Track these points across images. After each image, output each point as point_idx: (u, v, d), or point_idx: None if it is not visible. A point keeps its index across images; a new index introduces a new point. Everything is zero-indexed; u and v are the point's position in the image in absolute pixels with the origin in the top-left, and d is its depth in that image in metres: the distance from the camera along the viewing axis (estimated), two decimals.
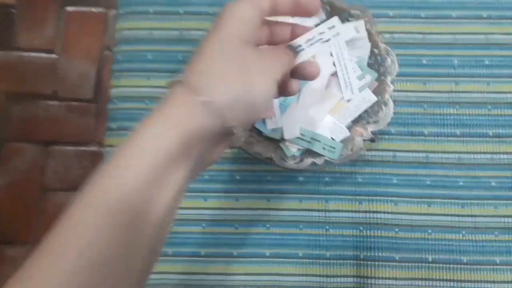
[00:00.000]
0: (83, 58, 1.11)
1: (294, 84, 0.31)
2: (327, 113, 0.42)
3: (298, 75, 0.31)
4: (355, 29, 0.42)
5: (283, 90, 0.31)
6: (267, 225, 0.44)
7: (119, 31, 0.50)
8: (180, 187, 0.23)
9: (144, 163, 0.22)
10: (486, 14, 0.48)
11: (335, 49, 0.42)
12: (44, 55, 1.11)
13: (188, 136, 0.23)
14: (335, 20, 0.30)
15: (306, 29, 0.30)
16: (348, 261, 0.43)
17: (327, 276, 0.43)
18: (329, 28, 0.30)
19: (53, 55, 1.11)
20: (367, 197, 0.44)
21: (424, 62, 0.47)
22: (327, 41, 0.30)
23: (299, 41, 0.29)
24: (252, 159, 0.45)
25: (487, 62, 0.47)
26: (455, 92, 0.46)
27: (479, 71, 0.46)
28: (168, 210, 0.23)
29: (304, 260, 0.43)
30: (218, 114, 0.24)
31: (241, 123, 0.25)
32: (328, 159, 0.41)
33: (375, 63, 0.43)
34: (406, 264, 0.42)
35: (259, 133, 0.43)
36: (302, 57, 0.30)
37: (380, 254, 0.43)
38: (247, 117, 0.26)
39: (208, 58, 0.25)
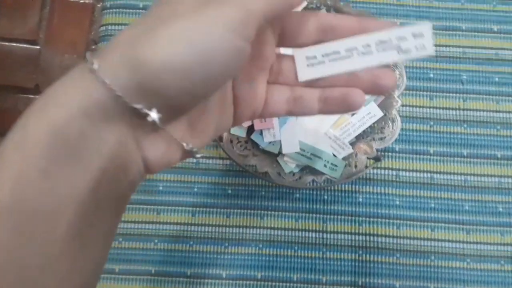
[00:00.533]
0: (67, 51, 1.06)
1: (355, 95, 0.23)
2: (329, 128, 0.39)
3: (364, 86, 0.23)
4: None
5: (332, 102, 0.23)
6: (260, 245, 0.41)
7: (104, 26, 0.46)
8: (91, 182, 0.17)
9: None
10: (497, 28, 0.45)
11: None
12: (25, 45, 1.06)
13: (74, 113, 0.17)
14: (426, 27, 0.21)
15: (381, 25, 0.22)
16: (345, 287, 0.40)
17: None
18: (415, 36, 0.21)
19: (36, 46, 1.06)
20: (367, 219, 0.41)
21: (431, 75, 0.44)
22: (406, 52, 0.21)
23: (369, 39, 0.22)
24: (245, 172, 0.42)
25: (497, 79, 0.44)
26: (463, 109, 0.43)
27: (488, 88, 0.44)
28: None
29: (298, 285, 0.40)
30: (105, 84, 0.17)
31: (154, 98, 0.17)
32: (329, 177, 0.38)
33: None
34: None
35: (255, 145, 0.39)
36: (365, 64, 0.22)
37: (379, 281, 0.40)
38: (162, 88, 0.17)
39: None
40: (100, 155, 0.18)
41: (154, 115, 0.18)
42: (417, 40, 0.21)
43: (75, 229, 0.17)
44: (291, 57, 0.24)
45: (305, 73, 0.23)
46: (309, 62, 0.23)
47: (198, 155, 0.21)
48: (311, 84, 0.24)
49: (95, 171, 0.17)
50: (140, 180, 0.20)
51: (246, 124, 0.39)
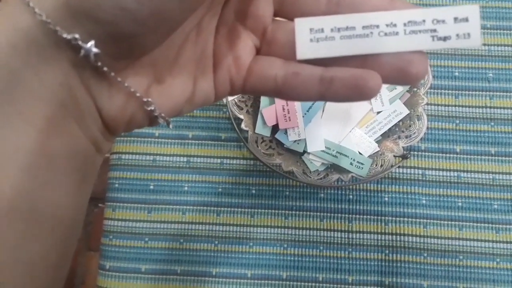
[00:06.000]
0: None
1: (371, 79, 0.17)
2: (354, 126, 0.39)
3: (386, 72, 0.17)
4: None
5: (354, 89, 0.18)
6: (285, 245, 0.40)
7: None
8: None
9: None
10: None
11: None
12: None
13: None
14: (472, 9, 0.17)
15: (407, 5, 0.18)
16: (372, 287, 0.39)
17: None
18: (456, 21, 0.17)
19: None
20: (393, 218, 0.40)
21: (456, 74, 0.44)
22: (443, 40, 0.17)
23: (395, 17, 0.17)
24: (269, 172, 0.42)
25: None
26: (490, 107, 0.43)
27: None
28: None
29: (324, 285, 0.39)
30: (30, 9, 0.14)
31: (88, 24, 0.14)
32: (355, 175, 0.37)
33: None
34: None
35: (280, 144, 0.39)
36: (386, 48, 0.17)
37: (406, 280, 0.39)
38: (94, 8, 0.14)
39: None
40: (42, 101, 0.15)
41: (88, 47, 0.15)
42: (459, 25, 0.17)
43: (23, 188, 0.15)
44: (291, 26, 0.19)
45: (306, 50, 0.18)
46: (313, 36, 0.18)
47: (162, 119, 0.18)
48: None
49: (39, 120, 0.15)
50: (102, 138, 0.18)
51: (271, 123, 0.39)
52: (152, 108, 0.18)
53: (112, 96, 0.17)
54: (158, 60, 0.18)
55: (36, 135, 0.15)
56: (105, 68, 0.16)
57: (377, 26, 0.17)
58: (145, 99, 0.18)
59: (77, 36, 0.14)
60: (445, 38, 0.17)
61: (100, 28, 0.15)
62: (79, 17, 0.14)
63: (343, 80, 0.18)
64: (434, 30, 0.17)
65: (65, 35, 0.14)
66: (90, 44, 0.15)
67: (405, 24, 0.17)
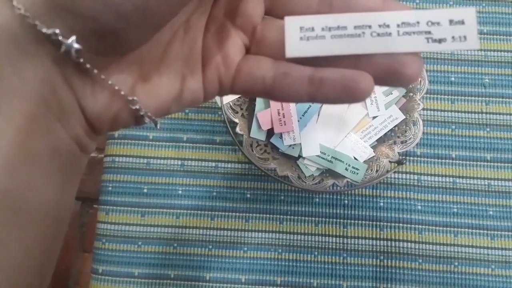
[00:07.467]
0: None
1: (362, 81, 0.17)
2: (350, 131, 0.39)
3: (378, 72, 0.17)
4: None
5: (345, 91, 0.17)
6: (279, 250, 0.40)
7: None
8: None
9: None
10: None
11: None
12: None
13: None
14: (468, 12, 0.17)
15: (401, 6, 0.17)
16: None
17: None
18: (452, 23, 0.17)
19: None
20: (388, 224, 0.40)
21: (452, 79, 0.44)
22: (438, 42, 0.17)
23: (388, 18, 0.17)
24: (264, 176, 0.41)
25: None
26: (485, 113, 0.43)
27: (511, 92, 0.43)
28: None
29: None
30: (8, 2, 0.14)
31: (70, 18, 0.14)
32: (350, 181, 0.37)
33: None
34: None
35: (275, 149, 0.39)
36: (379, 48, 0.17)
37: (401, 287, 0.39)
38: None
39: None
40: (22, 98, 0.14)
41: (69, 43, 0.14)
42: (455, 28, 0.16)
43: (3, 188, 0.14)
44: (281, 24, 0.18)
45: (295, 48, 0.18)
46: (303, 35, 0.17)
47: (148, 118, 0.18)
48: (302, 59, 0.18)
49: (18, 118, 0.14)
50: (86, 137, 0.17)
51: (266, 127, 0.39)
52: (138, 107, 0.17)
53: (95, 94, 0.16)
54: (145, 58, 0.17)
55: (15, 134, 0.14)
56: (87, 65, 0.15)
57: (370, 27, 0.17)
58: (130, 98, 0.17)
59: (57, 31, 0.14)
60: (440, 40, 0.17)
61: (82, 23, 0.14)
62: (60, 11, 0.14)
63: (333, 81, 0.17)
64: (429, 32, 0.17)
65: (44, 30, 0.14)
66: (71, 39, 0.14)
67: (398, 25, 0.17)
